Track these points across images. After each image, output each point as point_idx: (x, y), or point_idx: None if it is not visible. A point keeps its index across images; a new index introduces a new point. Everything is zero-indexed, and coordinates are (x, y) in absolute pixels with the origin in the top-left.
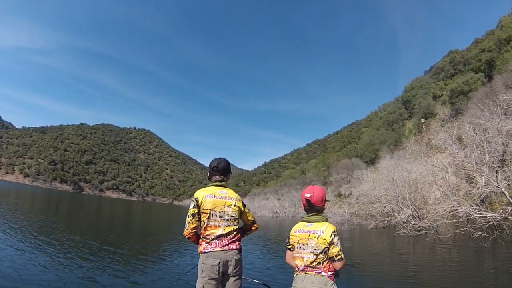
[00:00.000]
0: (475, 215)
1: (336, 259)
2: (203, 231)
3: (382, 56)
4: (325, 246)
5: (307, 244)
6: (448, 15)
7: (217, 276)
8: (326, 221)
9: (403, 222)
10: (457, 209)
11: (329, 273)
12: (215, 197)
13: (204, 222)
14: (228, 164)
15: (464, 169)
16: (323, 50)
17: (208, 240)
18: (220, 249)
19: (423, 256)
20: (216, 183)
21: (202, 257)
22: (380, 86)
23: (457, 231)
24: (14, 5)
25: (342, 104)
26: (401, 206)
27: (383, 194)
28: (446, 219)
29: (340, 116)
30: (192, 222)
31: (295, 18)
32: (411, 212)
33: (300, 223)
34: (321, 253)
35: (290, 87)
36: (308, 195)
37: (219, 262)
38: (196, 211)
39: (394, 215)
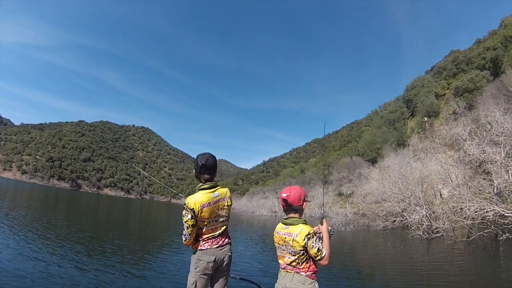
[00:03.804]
0: (507, 214)
1: (317, 259)
2: (201, 235)
3: (386, 55)
4: (300, 249)
5: (285, 245)
6: (452, 14)
7: (211, 272)
8: (303, 223)
9: (417, 223)
10: (485, 209)
11: (309, 272)
12: (210, 205)
13: (202, 229)
14: (215, 160)
15: (488, 163)
16: (327, 49)
17: (205, 239)
18: (216, 246)
19: (442, 262)
20: (207, 185)
21: (198, 254)
22: (383, 85)
23: (480, 233)
24: (18, 2)
25: (346, 103)
26: (413, 205)
27: (393, 192)
28: (471, 220)
29: (342, 116)
30: (193, 232)
31: (299, 17)
32: (425, 212)
33: (279, 224)
34: (298, 254)
35: (293, 85)
36: (284, 195)
37: (214, 259)
38: (194, 221)
39: (404, 215)
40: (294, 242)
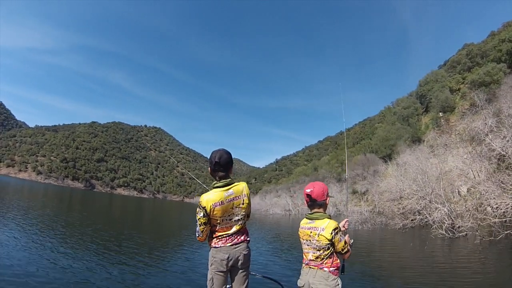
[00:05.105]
0: None
1: (343, 252)
2: (215, 233)
3: (392, 51)
4: (327, 243)
5: (310, 240)
6: (460, 9)
7: (225, 269)
8: (329, 218)
9: (439, 222)
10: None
11: (332, 268)
12: (223, 204)
13: (216, 226)
14: (230, 156)
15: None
16: (331, 47)
17: (219, 236)
18: (230, 244)
19: (468, 261)
20: (221, 183)
21: (212, 251)
22: (390, 82)
23: (507, 231)
24: (24, 5)
25: (352, 100)
26: (435, 203)
27: (412, 190)
28: (498, 218)
29: (351, 113)
30: (206, 230)
31: (304, 15)
32: (447, 210)
33: (304, 219)
34: (323, 249)
35: (299, 84)
36: (308, 190)
37: (228, 257)
38: (207, 220)
39: (424, 213)
40: (320, 236)
